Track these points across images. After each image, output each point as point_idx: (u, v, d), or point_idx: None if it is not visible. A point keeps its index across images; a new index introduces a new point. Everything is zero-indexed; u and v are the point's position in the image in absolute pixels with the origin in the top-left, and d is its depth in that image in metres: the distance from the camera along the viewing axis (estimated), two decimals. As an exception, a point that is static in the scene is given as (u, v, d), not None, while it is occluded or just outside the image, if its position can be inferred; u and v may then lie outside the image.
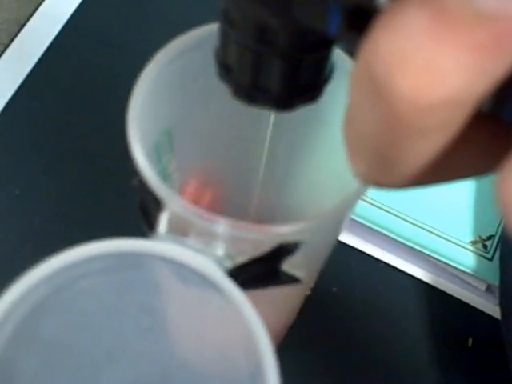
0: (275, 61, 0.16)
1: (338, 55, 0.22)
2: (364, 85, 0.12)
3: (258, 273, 0.19)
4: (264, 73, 0.17)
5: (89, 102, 0.44)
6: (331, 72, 0.18)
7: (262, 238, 0.18)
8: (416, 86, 0.11)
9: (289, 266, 0.20)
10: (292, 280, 0.20)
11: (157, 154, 0.23)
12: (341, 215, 0.20)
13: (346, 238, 0.41)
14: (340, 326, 0.39)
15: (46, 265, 0.17)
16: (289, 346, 0.37)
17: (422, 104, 0.11)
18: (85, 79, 0.45)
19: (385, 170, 0.13)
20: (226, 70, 0.18)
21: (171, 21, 0.48)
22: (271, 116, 0.24)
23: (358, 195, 0.20)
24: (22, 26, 0.45)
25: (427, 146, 0.12)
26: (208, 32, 0.21)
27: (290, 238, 0.19)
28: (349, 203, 0.20)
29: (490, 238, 0.40)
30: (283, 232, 0.18)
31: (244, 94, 0.18)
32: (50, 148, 0.42)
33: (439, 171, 0.13)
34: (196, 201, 0.27)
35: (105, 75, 0.45)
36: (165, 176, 0.25)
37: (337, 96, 0.23)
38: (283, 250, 0.19)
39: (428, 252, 0.39)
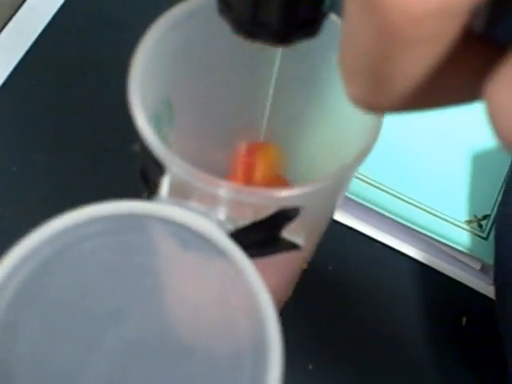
0: None
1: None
2: (358, 1, 0.12)
3: (259, 238, 0.20)
4: (263, 7, 0.17)
5: (87, 80, 0.44)
6: (330, 6, 0.18)
7: (262, 201, 0.18)
8: None
9: (289, 232, 0.20)
10: (292, 246, 0.20)
11: (157, 124, 0.24)
12: (339, 182, 0.21)
13: (342, 217, 0.41)
14: (335, 304, 0.40)
15: (48, 226, 0.17)
16: (286, 323, 0.37)
17: (415, 13, 0.11)
18: (83, 57, 0.45)
19: (379, 90, 0.13)
20: (226, 5, 0.18)
21: None
22: (271, 87, 0.24)
23: (356, 163, 0.20)
24: (18, 8, 0.45)
25: (420, 60, 0.12)
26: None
27: (290, 203, 0.19)
28: (347, 170, 0.20)
29: (485, 217, 0.40)
30: (283, 196, 0.18)
31: (244, 29, 0.18)
32: (47, 125, 0.42)
33: (431, 93, 0.13)
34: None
35: (103, 53, 0.45)
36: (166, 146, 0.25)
37: (335, 69, 0.24)
38: (283, 215, 0.19)
39: (423, 231, 0.39)
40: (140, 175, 0.21)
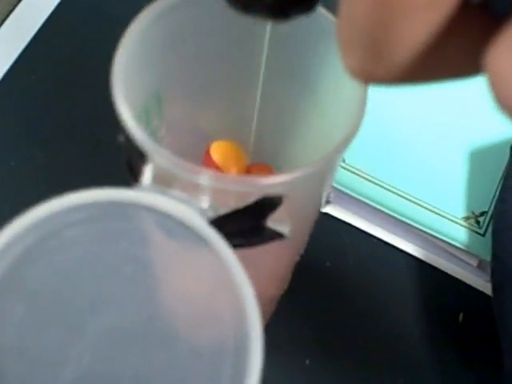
0: None
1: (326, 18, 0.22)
2: None
3: (242, 227, 0.20)
4: None
5: (86, 75, 0.44)
6: None
7: (244, 189, 0.18)
8: None
9: (274, 221, 0.20)
10: (277, 236, 0.20)
11: (146, 117, 0.24)
12: (323, 170, 0.20)
13: (340, 212, 0.41)
14: (332, 299, 0.40)
15: (30, 214, 0.18)
16: (284, 319, 0.37)
17: None
18: (82, 52, 0.45)
19: (377, 60, 0.13)
20: None
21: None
22: (260, 79, 0.24)
23: (338, 151, 0.20)
24: (17, 3, 0.45)
25: (418, 27, 0.12)
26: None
27: (273, 191, 0.19)
28: (329, 159, 0.20)
29: (482, 214, 0.40)
30: (265, 183, 0.18)
31: (238, 2, 0.17)
32: (46, 120, 0.42)
33: (429, 64, 0.13)
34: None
35: (102, 48, 0.45)
36: (156, 140, 0.25)
37: (324, 64, 0.24)
38: (266, 204, 0.19)
39: (421, 227, 0.39)
40: (126, 166, 0.21)
